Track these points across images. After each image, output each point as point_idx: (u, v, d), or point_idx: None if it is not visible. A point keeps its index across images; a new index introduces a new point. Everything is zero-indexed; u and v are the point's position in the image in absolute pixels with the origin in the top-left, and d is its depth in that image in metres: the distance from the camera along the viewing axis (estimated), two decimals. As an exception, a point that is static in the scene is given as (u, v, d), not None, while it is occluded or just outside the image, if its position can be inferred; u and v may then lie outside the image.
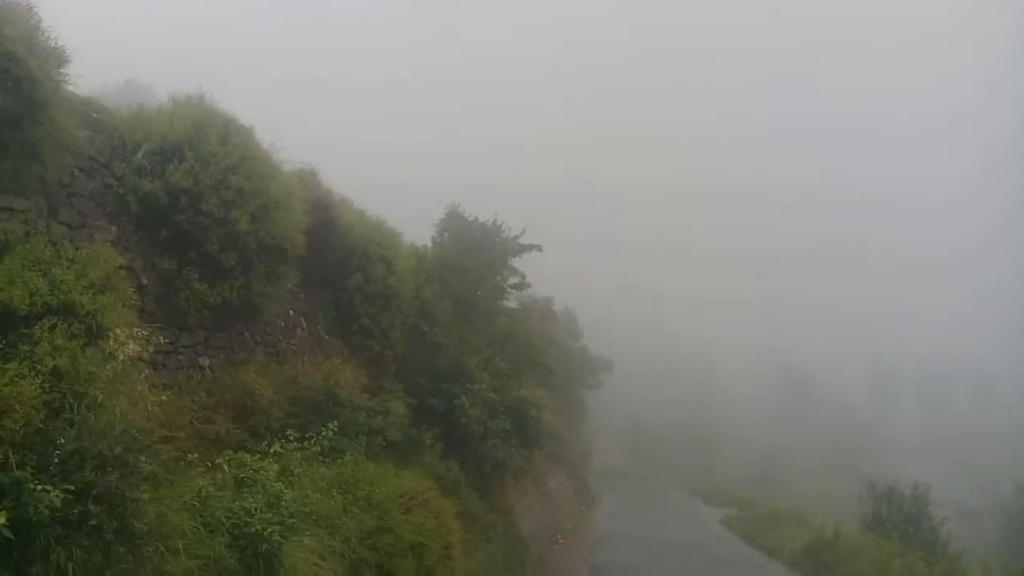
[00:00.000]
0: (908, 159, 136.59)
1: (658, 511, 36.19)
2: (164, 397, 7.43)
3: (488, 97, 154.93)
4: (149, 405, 6.82)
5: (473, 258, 21.09)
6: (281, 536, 6.58)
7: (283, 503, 6.93)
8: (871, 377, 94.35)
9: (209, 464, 7.73)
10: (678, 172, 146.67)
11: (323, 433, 9.60)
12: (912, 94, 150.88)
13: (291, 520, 6.85)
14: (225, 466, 7.61)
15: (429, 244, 22.03)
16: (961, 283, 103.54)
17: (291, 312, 13.13)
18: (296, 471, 8.95)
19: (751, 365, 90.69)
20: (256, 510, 6.65)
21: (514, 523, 19.75)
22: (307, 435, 9.55)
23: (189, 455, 7.56)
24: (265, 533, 6.47)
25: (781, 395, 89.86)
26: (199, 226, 9.34)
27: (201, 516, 6.37)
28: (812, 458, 71.09)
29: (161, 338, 8.82)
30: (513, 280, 23.13)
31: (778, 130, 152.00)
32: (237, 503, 6.71)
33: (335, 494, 8.73)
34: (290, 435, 9.25)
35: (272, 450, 8.95)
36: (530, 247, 22.48)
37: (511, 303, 25.23)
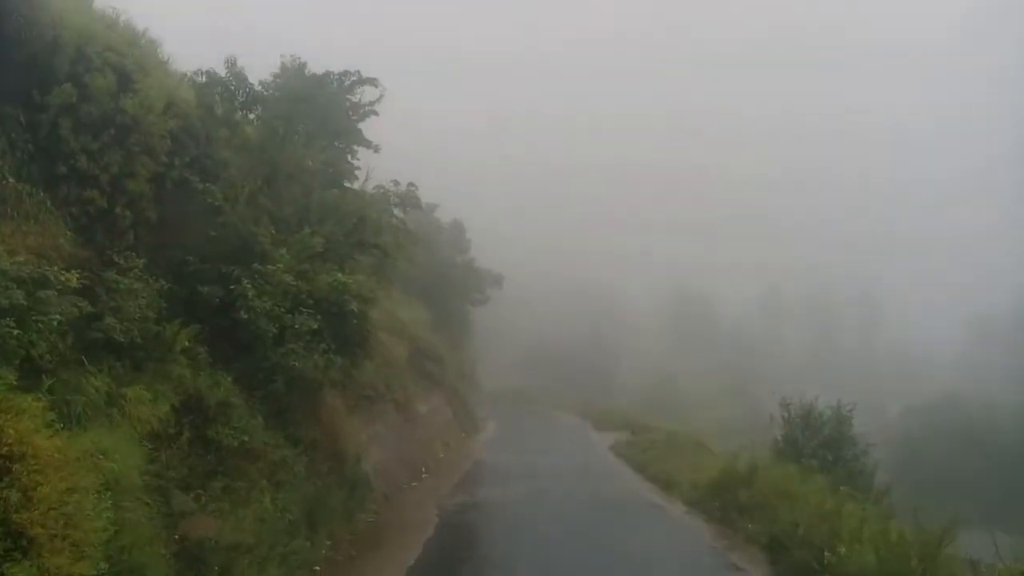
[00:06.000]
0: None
1: (543, 437, 32.74)
2: None
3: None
4: None
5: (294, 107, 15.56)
6: None
7: None
8: (765, 305, 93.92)
9: None
10: (595, 95, 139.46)
11: None
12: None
13: None
14: None
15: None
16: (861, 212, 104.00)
17: None
18: None
19: (648, 288, 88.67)
20: None
21: (342, 457, 14.95)
22: None
23: None
24: None
25: (677, 319, 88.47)
26: None
27: None
28: (706, 381, 69.81)
29: None
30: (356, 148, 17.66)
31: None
32: None
33: None
34: None
35: None
36: (368, 80, 17.01)
37: (364, 188, 19.73)
